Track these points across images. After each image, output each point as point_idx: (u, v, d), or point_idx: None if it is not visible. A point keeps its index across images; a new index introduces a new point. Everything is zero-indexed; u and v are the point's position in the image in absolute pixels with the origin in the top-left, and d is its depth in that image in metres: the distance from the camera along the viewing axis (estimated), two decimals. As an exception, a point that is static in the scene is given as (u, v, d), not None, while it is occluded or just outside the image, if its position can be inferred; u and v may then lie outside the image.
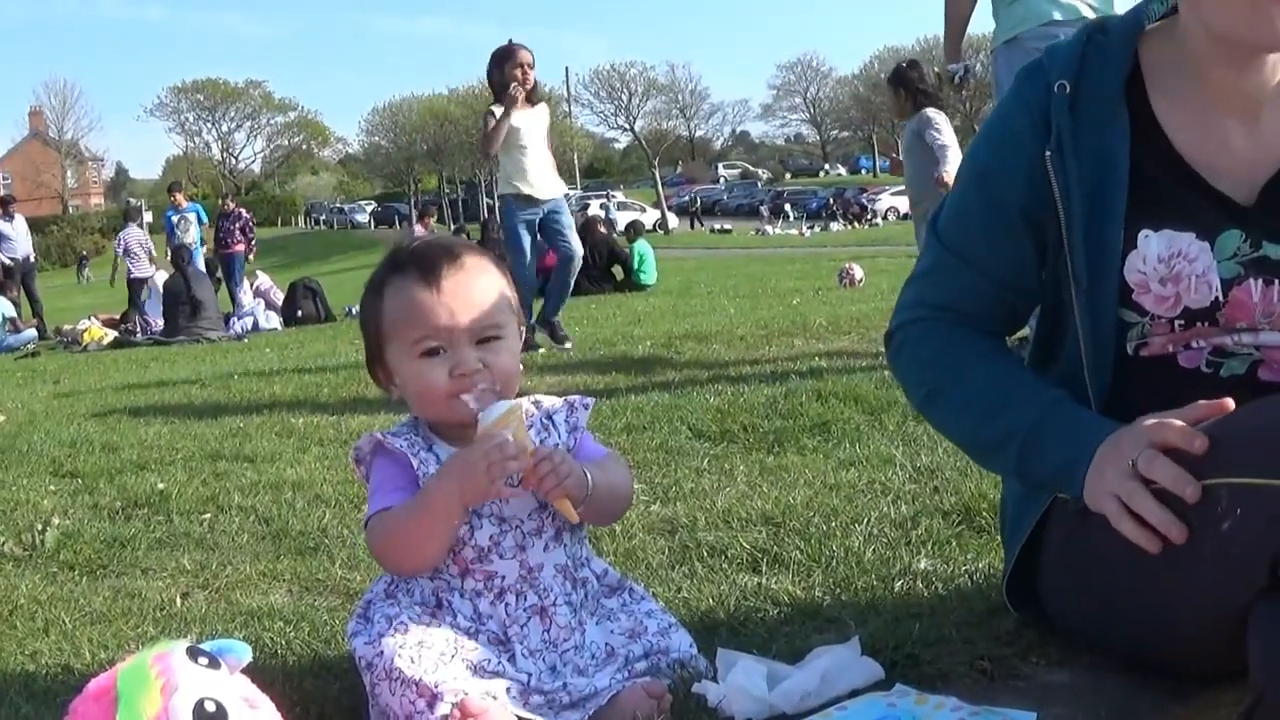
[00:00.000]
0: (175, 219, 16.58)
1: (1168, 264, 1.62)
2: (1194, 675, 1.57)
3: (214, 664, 1.36)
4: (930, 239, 1.85)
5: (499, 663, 1.65)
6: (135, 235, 17.02)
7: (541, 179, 7.41)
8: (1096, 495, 1.53)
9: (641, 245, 15.69)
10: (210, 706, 1.31)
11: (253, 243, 17.30)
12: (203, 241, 16.74)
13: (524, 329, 1.84)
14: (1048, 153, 1.64)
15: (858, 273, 12.88)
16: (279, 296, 15.57)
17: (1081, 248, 1.64)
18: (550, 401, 1.89)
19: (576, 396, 1.91)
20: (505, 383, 1.74)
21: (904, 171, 6.49)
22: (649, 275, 15.40)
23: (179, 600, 2.53)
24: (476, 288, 1.72)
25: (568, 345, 7.19)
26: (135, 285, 16.14)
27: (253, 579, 2.65)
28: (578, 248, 7.62)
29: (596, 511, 1.77)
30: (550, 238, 7.51)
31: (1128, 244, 1.63)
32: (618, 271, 15.57)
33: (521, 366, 1.80)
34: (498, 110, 7.31)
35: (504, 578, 1.73)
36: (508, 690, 1.63)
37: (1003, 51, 4.72)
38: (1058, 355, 1.78)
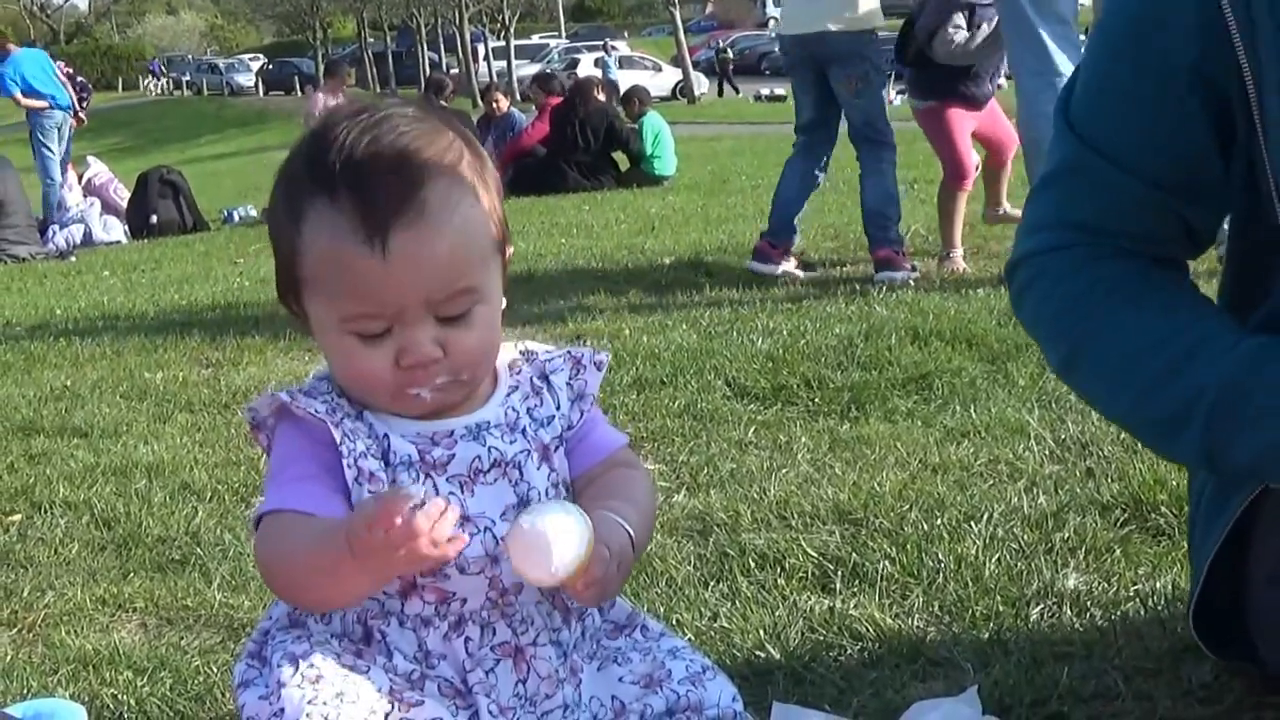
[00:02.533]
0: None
1: None
2: None
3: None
4: (1060, 129, 1.83)
5: (452, 725, 1.65)
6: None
7: None
8: None
9: (653, 120, 15.58)
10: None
11: (84, 108, 17.24)
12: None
13: (510, 255, 1.80)
14: None
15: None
16: (122, 194, 15.54)
17: None
18: (544, 352, 1.87)
19: (584, 350, 1.89)
20: (473, 369, 1.72)
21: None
22: (665, 163, 15.32)
23: (-25, 642, 2.55)
24: (444, 240, 1.65)
25: None
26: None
27: (87, 609, 2.65)
28: None
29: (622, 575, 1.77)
30: None
31: None
32: (620, 159, 15.52)
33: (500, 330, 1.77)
34: None
35: (464, 601, 1.72)
36: (464, 762, 1.62)
37: None
38: (1264, 286, 1.76)
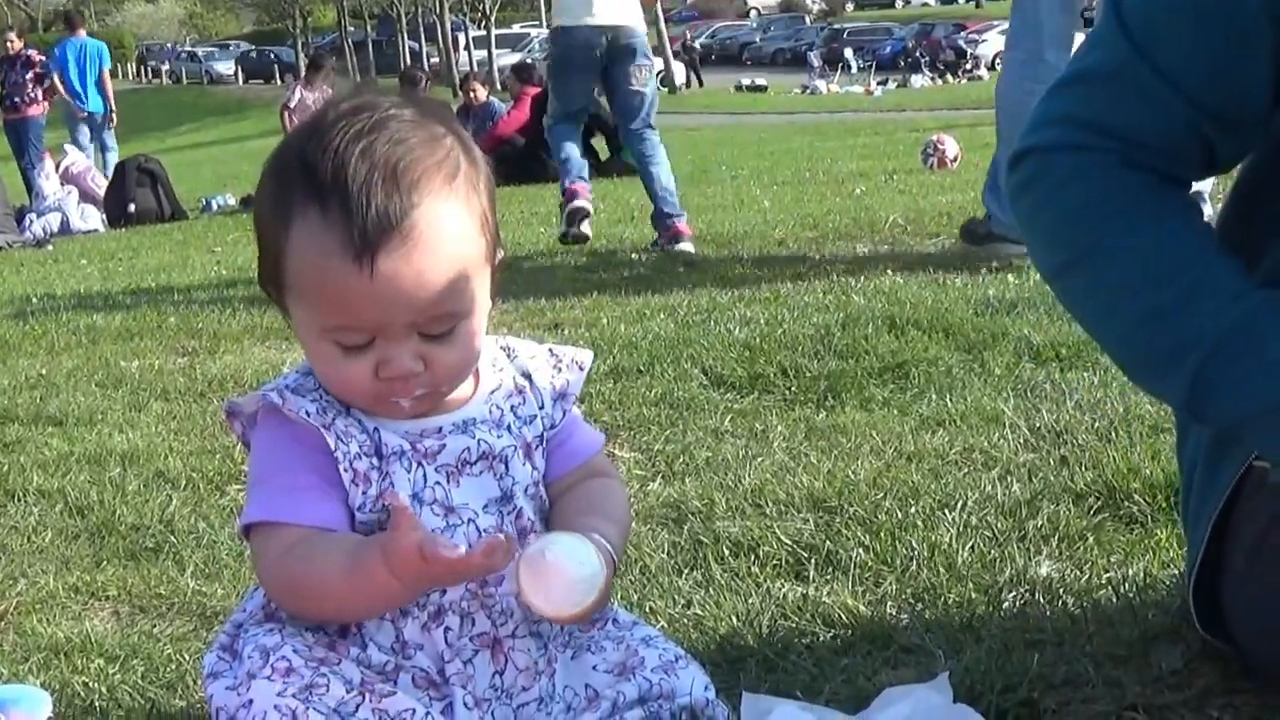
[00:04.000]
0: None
1: None
2: None
3: (-4, 720, 1.34)
4: (1108, 21, 1.77)
5: (427, 715, 1.64)
6: None
7: None
8: None
9: (633, 108, 15.61)
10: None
11: (50, 95, 17.20)
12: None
13: (501, 260, 1.78)
14: None
15: (950, 148, 12.82)
16: (100, 183, 15.50)
17: None
18: (525, 351, 1.86)
19: (566, 348, 1.88)
20: (452, 382, 1.71)
21: None
22: (645, 152, 15.35)
23: (-54, 630, 2.53)
24: (432, 264, 1.63)
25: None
26: None
27: (59, 597, 2.65)
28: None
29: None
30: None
31: None
32: (600, 146, 15.51)
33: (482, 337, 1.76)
34: None
35: (444, 592, 1.72)
36: (436, 753, 1.62)
37: None
38: (1270, 239, 1.75)
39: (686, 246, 7.17)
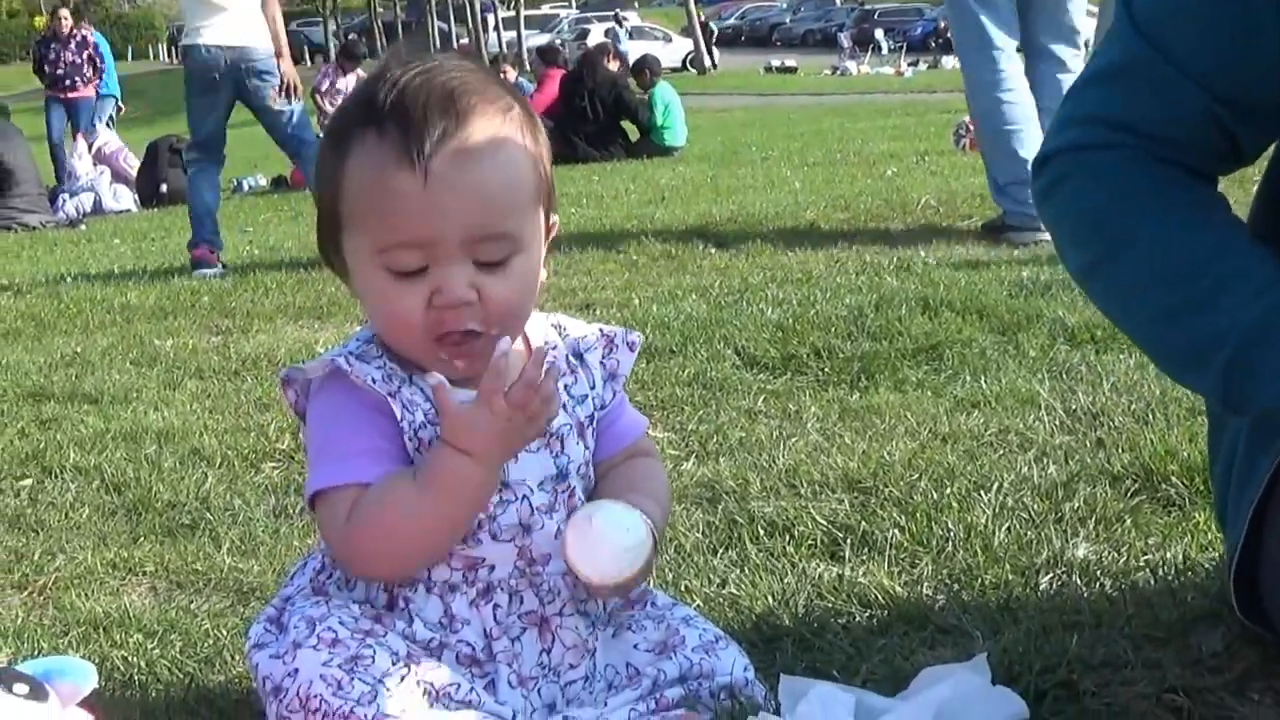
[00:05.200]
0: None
1: None
2: None
3: (39, 693, 1.35)
4: (1121, 24, 1.77)
5: (471, 690, 1.65)
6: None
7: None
8: None
9: (663, 91, 15.61)
10: (30, 757, 1.30)
11: (100, 77, 17.22)
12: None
13: (553, 227, 1.79)
14: None
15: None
16: (132, 163, 15.55)
17: None
18: (577, 330, 1.87)
19: (618, 329, 1.89)
20: (504, 322, 1.69)
21: None
22: (675, 134, 15.36)
23: (-17, 605, 2.55)
24: (486, 173, 1.65)
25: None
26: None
27: (97, 573, 2.65)
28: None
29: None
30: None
31: None
32: (630, 129, 15.51)
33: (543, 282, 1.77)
34: None
35: (492, 569, 1.72)
36: (478, 728, 1.62)
37: None
38: None
39: (205, 271, 7.17)
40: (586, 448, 1.80)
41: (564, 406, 1.77)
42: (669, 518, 2.58)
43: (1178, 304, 1.68)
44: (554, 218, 1.78)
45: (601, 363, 1.84)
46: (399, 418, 1.69)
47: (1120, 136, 1.74)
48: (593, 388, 1.82)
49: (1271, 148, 1.82)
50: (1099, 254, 1.78)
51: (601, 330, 1.87)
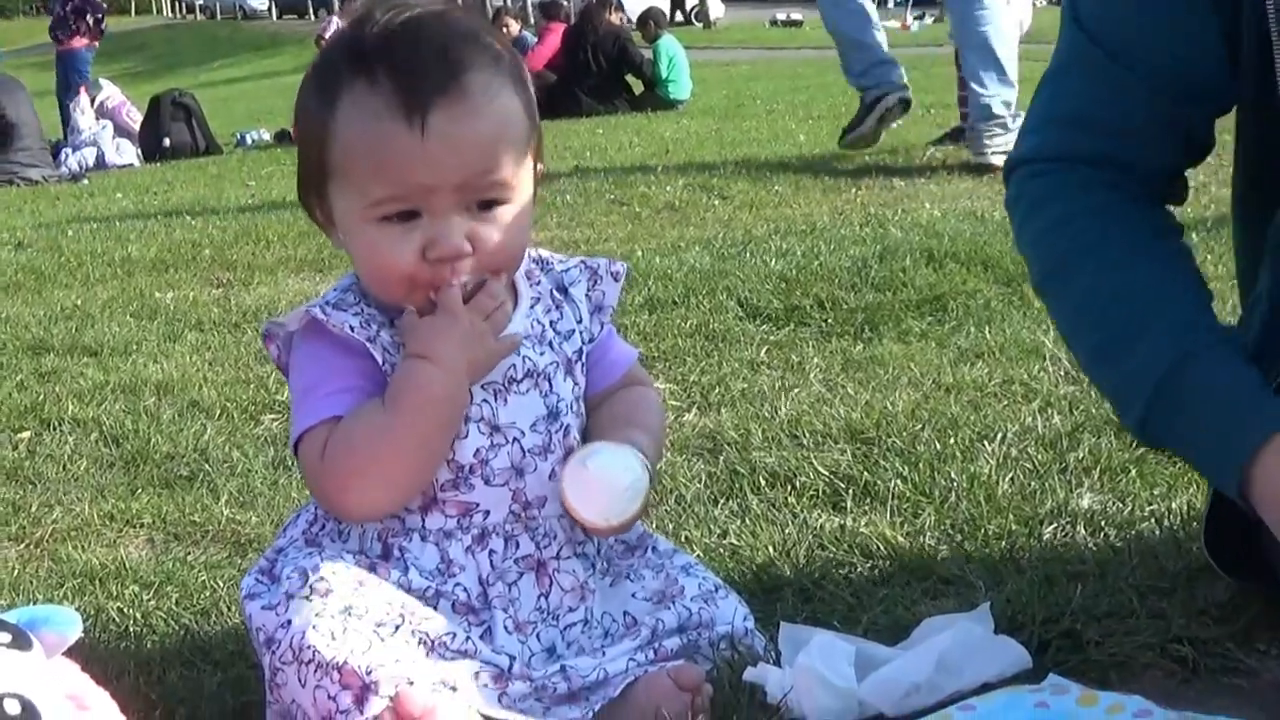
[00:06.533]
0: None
1: None
2: None
3: (21, 642, 1.34)
4: (1065, 22, 1.83)
5: (467, 639, 1.64)
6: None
7: None
8: (1272, 501, 1.54)
9: (668, 44, 15.57)
10: (12, 708, 1.27)
11: (101, 31, 17.18)
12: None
13: (541, 172, 1.78)
14: None
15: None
16: (135, 117, 15.51)
17: None
18: (559, 261, 1.86)
19: (600, 259, 1.87)
20: (499, 269, 1.70)
21: None
22: (679, 87, 15.31)
23: (-22, 557, 2.54)
24: (483, 124, 1.64)
25: None
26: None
27: (94, 524, 2.65)
28: None
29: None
30: None
31: None
32: (635, 83, 15.47)
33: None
34: None
35: (487, 514, 1.72)
36: (476, 676, 1.61)
37: None
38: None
39: None
40: (576, 384, 1.79)
41: (550, 344, 1.76)
42: (665, 467, 2.59)
43: (1093, 348, 1.77)
44: (540, 165, 1.77)
45: (587, 295, 1.83)
46: (381, 362, 1.68)
47: (1072, 141, 1.79)
48: (579, 321, 1.81)
49: (1233, 137, 1.84)
50: (1042, 276, 1.85)
51: (584, 262, 1.86)
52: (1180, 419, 1.66)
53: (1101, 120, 1.77)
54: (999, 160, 6.46)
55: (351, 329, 1.69)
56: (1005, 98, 6.53)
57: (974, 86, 6.55)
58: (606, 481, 1.65)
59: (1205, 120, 1.79)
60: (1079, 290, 1.77)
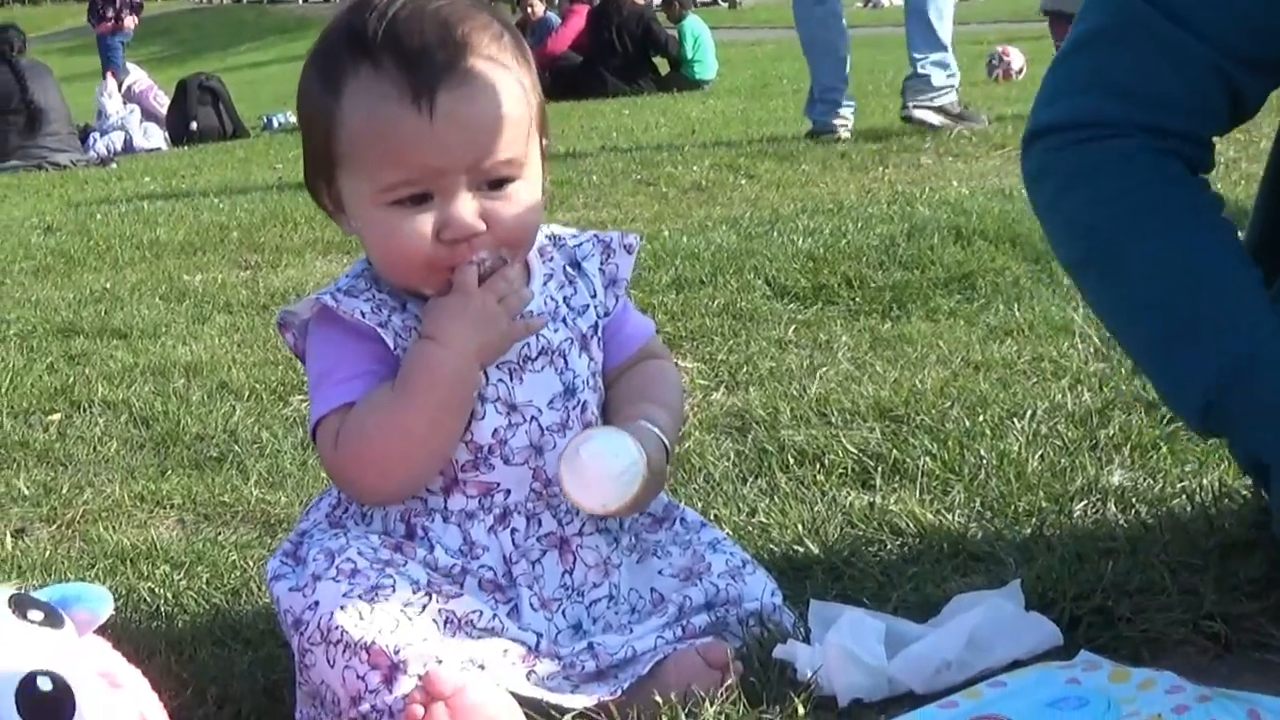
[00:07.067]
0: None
1: None
2: None
3: (53, 620, 1.34)
4: None
5: (494, 617, 1.64)
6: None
7: None
8: None
9: (693, 24, 15.55)
10: (45, 685, 1.27)
11: (139, 15, 17.22)
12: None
13: (546, 146, 1.77)
14: None
15: (1016, 60, 12.72)
16: (162, 101, 15.54)
17: None
18: (571, 236, 1.85)
19: (613, 233, 1.87)
20: (515, 245, 1.70)
21: None
22: (705, 67, 15.29)
23: (9, 540, 2.54)
24: (490, 104, 1.64)
25: None
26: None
27: (125, 505, 2.66)
28: None
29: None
30: None
31: None
32: (660, 63, 15.45)
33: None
34: None
35: (509, 493, 1.72)
36: (504, 654, 1.61)
37: None
38: None
39: None
40: (592, 359, 1.78)
41: (564, 320, 1.76)
42: (694, 446, 2.58)
43: (1158, 333, 1.72)
44: (546, 140, 1.76)
45: (600, 269, 1.82)
46: (393, 347, 1.69)
47: (1119, 108, 1.70)
48: (594, 296, 1.80)
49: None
50: (1086, 254, 1.78)
51: (597, 236, 1.85)
52: (1255, 407, 1.64)
53: (1155, 91, 1.69)
54: (920, 114, 7.32)
55: (362, 315, 1.69)
56: (935, 58, 7.15)
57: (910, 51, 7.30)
58: (600, 469, 1.64)
59: (1263, 91, 1.72)
60: (1131, 274, 1.72)
